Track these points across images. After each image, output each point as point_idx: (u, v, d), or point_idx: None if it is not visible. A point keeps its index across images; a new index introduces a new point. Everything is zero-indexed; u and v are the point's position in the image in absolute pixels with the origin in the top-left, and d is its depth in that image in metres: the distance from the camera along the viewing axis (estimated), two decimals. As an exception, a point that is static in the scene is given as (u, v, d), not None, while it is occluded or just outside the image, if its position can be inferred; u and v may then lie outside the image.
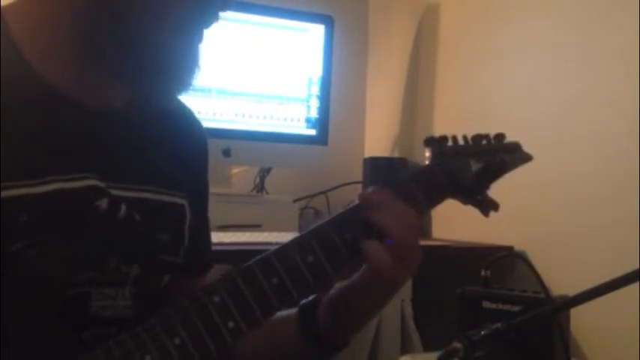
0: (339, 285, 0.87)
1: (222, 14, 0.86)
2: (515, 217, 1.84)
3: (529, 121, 1.86)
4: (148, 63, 0.81)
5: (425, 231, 2.14)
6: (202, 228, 0.99)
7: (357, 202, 0.82)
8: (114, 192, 0.82)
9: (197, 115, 1.02)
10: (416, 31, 2.29)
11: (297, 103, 1.99)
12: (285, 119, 1.98)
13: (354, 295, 0.85)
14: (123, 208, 0.82)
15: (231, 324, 0.75)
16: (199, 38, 0.85)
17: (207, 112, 1.85)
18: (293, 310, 0.91)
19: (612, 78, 1.73)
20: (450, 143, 0.89)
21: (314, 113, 2.02)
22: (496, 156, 0.90)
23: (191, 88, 0.85)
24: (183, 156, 0.94)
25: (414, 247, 0.81)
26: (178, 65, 0.83)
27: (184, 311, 0.74)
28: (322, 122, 2.03)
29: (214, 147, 1.91)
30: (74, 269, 0.77)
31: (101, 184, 0.81)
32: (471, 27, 2.13)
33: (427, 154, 0.88)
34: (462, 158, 0.88)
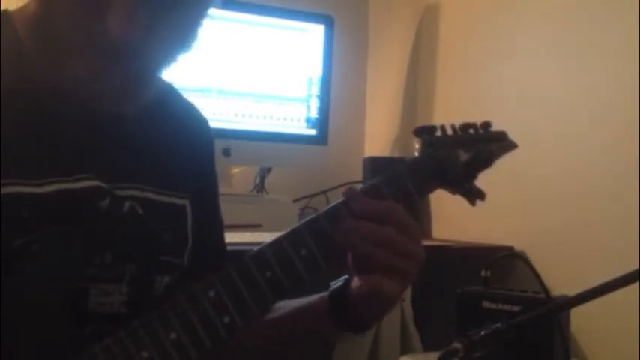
0: (357, 280, 0.85)
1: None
2: (515, 217, 1.85)
3: (529, 121, 1.86)
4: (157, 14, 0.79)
5: (425, 231, 2.14)
6: (211, 228, 0.99)
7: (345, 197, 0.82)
8: (116, 192, 0.82)
9: (202, 112, 1.03)
10: (416, 31, 2.29)
11: (297, 103, 1.99)
12: (285, 119, 1.98)
13: (371, 294, 0.83)
14: (126, 204, 0.82)
15: (226, 319, 0.75)
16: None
17: (207, 112, 1.85)
18: (323, 294, 0.89)
19: (612, 77, 1.73)
20: (438, 133, 0.90)
21: (314, 113, 2.02)
22: (484, 145, 0.90)
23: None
24: (188, 154, 0.94)
25: (408, 252, 0.80)
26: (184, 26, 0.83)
27: (180, 306, 0.74)
28: (322, 122, 2.03)
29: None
30: (75, 263, 0.77)
31: (103, 185, 0.81)
32: (470, 27, 2.13)
33: (416, 144, 0.89)
34: (451, 148, 0.88)
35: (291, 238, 0.79)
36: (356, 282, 0.85)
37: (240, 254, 0.80)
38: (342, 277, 0.88)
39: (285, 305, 0.91)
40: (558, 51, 1.86)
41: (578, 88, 1.80)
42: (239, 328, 0.77)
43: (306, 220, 0.81)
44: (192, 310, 0.74)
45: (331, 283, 0.89)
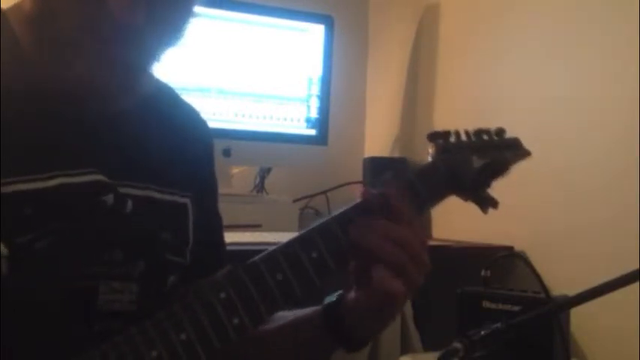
0: (358, 291, 0.85)
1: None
2: (515, 217, 1.84)
3: (529, 121, 1.86)
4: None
5: (425, 231, 2.13)
6: (211, 227, 0.99)
7: (359, 199, 0.82)
8: (119, 189, 0.82)
9: (201, 115, 1.03)
10: (416, 31, 2.29)
11: (297, 103, 1.99)
12: (285, 119, 1.98)
13: (371, 304, 0.84)
14: (129, 203, 0.82)
15: (235, 320, 0.75)
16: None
17: (207, 112, 1.85)
18: (317, 308, 0.89)
19: (612, 76, 1.73)
20: (452, 138, 0.89)
21: (314, 113, 2.02)
22: (499, 152, 0.89)
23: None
24: (187, 155, 0.94)
25: (419, 257, 0.81)
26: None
27: (190, 307, 0.74)
28: (322, 122, 2.03)
29: (214, 147, 1.92)
30: (83, 261, 0.78)
31: (107, 180, 0.81)
32: (470, 27, 2.13)
33: (430, 149, 0.88)
34: (464, 154, 0.88)
35: (303, 240, 0.79)
36: (354, 294, 0.84)
37: (239, 254, 0.80)
38: (336, 293, 0.88)
39: (280, 317, 0.90)
40: (558, 51, 1.86)
41: (577, 88, 1.80)
42: (248, 330, 0.76)
43: (318, 222, 0.80)
44: (203, 311, 0.74)
45: (325, 299, 0.88)
